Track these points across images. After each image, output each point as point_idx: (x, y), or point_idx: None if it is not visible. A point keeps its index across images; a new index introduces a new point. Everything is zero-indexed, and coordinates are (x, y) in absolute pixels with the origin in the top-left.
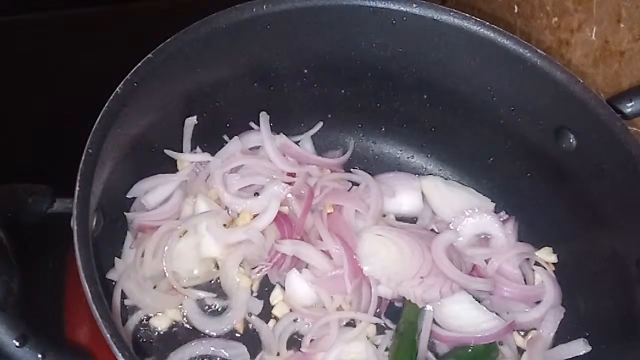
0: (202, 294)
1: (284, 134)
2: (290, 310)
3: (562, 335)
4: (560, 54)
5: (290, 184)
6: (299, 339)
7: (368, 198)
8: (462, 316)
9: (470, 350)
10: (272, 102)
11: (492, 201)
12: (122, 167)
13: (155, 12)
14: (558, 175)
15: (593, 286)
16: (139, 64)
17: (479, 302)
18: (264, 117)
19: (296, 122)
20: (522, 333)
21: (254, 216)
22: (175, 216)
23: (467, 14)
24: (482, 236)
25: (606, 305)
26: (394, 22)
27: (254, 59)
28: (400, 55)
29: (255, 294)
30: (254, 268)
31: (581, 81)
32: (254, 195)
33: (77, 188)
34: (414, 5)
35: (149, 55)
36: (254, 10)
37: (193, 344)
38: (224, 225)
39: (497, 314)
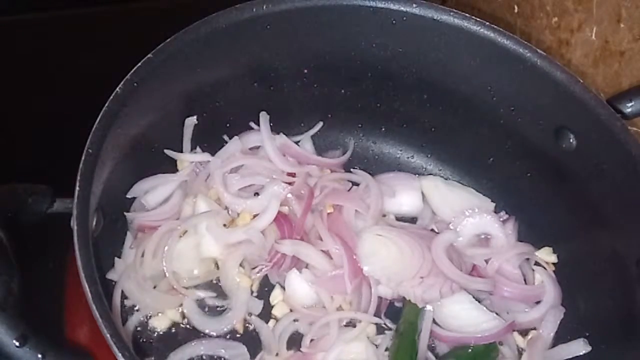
0: (202, 294)
1: (284, 134)
2: (290, 310)
3: (562, 335)
4: (560, 54)
5: (290, 184)
6: (299, 339)
7: (368, 198)
8: (462, 316)
9: (470, 350)
10: (272, 102)
11: (492, 201)
12: (122, 167)
13: (155, 12)
14: (558, 175)
15: (593, 286)
16: (139, 64)
17: (479, 302)
18: (264, 117)
19: (296, 122)
20: (522, 333)
21: (254, 216)
22: (175, 216)
23: (467, 14)
24: (482, 236)
25: (606, 305)
26: (394, 22)
27: (254, 59)
28: (400, 55)
29: (255, 294)
30: (254, 268)
31: (581, 81)
32: (254, 195)
33: (77, 188)
34: (414, 5)
35: (149, 55)
36: (254, 10)
37: (193, 344)
38: (224, 225)
39: (497, 314)
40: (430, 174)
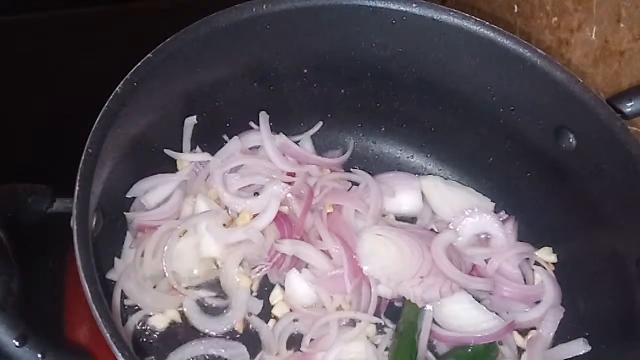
0: (202, 294)
1: (284, 134)
2: (290, 310)
3: (562, 335)
4: (560, 54)
5: (290, 184)
6: (299, 339)
7: (368, 198)
8: (462, 316)
9: (470, 350)
10: (272, 102)
11: (492, 201)
12: (122, 167)
13: (155, 12)
14: (558, 175)
15: (593, 286)
16: (139, 64)
17: (479, 302)
18: (264, 117)
19: (296, 122)
20: (522, 333)
21: (254, 216)
22: (175, 216)
23: (467, 14)
24: (482, 236)
25: (606, 305)
26: (394, 22)
27: (254, 59)
28: (400, 55)
29: (255, 294)
30: (254, 268)
31: (581, 81)
32: (254, 195)
33: (77, 188)
34: (414, 5)
35: (149, 55)
36: (254, 10)
37: (193, 344)
38: (224, 225)
39: (497, 314)
40: (430, 174)
